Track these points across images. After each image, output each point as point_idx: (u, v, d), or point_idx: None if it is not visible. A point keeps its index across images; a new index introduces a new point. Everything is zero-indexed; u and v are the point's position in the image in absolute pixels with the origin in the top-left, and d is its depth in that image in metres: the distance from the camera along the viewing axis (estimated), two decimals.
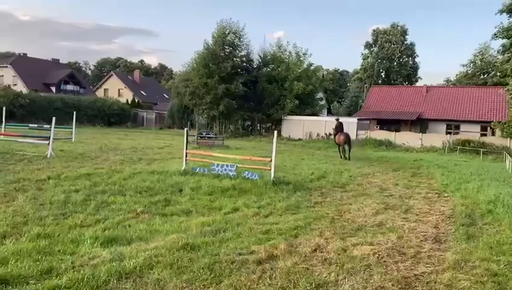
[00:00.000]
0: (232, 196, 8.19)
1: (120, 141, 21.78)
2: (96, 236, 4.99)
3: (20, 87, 46.63)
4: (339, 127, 19.47)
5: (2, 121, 20.48)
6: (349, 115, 48.14)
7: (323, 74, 54.31)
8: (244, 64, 38.19)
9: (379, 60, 58.75)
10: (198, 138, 23.89)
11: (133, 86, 64.79)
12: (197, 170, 10.54)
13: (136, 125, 43.36)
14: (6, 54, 76.14)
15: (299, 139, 32.97)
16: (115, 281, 3.74)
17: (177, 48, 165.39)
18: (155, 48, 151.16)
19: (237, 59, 36.98)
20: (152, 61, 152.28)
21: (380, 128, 35.67)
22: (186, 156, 11.20)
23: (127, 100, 51.17)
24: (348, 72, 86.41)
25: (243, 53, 37.86)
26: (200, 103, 36.85)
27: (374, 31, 60.48)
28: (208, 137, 25.73)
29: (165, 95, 66.49)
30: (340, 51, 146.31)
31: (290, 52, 38.49)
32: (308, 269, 4.36)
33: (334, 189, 9.80)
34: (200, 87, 35.78)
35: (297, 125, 34.76)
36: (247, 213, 6.82)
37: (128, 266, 4.04)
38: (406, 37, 59.14)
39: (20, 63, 55.51)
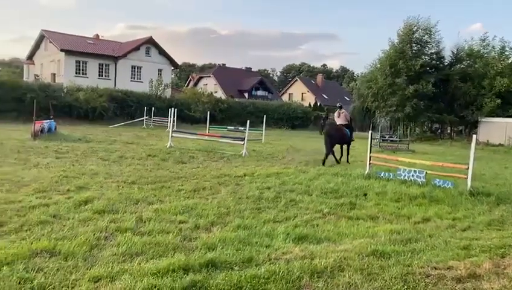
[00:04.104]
0: (422, 205, 7.64)
1: (304, 143, 22.70)
2: (287, 232, 5.28)
3: (220, 94, 53.15)
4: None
5: (207, 123, 23.90)
6: None
7: None
8: (434, 62, 35.32)
9: None
10: (381, 141, 23.15)
11: (316, 90, 67.21)
12: (381, 175, 10.18)
13: (318, 128, 44.49)
14: (209, 65, 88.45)
15: (500, 145, 28.66)
16: (307, 279, 3.87)
17: (359, 50, 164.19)
18: (337, 51, 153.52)
19: (426, 57, 34.48)
20: (334, 64, 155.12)
21: None
22: (370, 159, 10.96)
23: (310, 104, 53.18)
24: None
25: (433, 50, 35.13)
26: (383, 105, 35.57)
27: None
28: (391, 140, 24.68)
29: (346, 98, 66.64)
30: None
31: (493, 47, 33.90)
32: None
33: None
34: (384, 87, 34.56)
35: (498, 129, 30.31)
36: (440, 225, 6.27)
37: (319, 265, 4.14)
38: None
39: (220, 72, 63.66)
